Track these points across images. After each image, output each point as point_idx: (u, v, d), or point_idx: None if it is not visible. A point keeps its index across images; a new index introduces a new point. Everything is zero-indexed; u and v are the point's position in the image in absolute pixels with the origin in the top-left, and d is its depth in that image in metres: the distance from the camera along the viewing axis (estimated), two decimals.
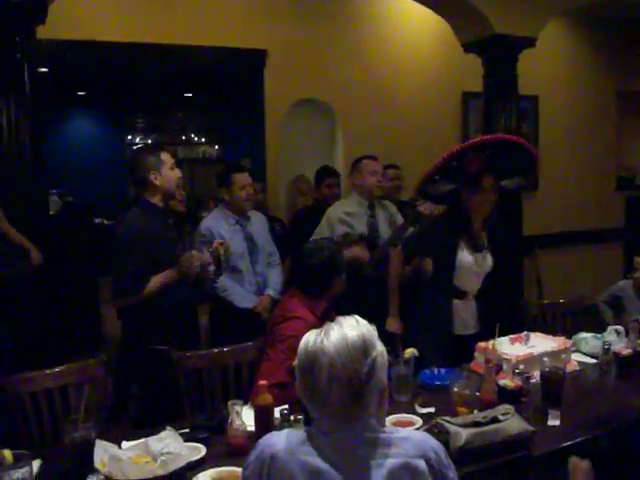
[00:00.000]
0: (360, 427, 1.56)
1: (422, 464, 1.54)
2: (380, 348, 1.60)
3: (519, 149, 3.26)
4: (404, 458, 1.54)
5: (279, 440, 1.59)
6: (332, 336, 1.56)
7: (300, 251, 3.02)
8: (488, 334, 3.26)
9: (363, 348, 1.55)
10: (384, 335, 3.31)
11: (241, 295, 3.78)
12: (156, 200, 3.10)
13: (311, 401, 1.57)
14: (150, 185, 3.08)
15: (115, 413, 3.66)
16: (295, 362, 1.61)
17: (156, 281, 2.98)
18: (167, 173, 3.09)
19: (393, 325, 3.45)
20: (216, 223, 3.84)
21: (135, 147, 11.12)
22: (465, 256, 3.29)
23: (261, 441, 1.63)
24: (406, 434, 1.64)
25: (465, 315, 3.36)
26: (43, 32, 3.48)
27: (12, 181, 3.32)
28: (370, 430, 1.57)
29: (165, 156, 3.13)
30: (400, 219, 4.23)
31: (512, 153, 3.28)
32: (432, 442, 1.62)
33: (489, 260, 3.39)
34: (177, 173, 3.15)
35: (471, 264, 3.30)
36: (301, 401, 1.63)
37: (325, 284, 2.83)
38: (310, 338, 1.59)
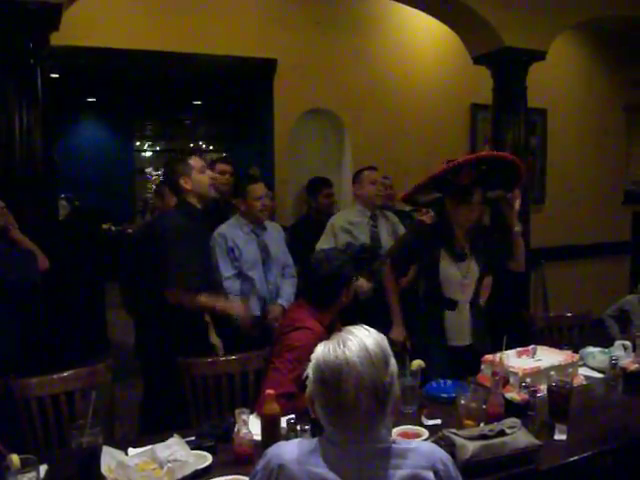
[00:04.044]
0: (371, 438, 1.55)
1: (430, 475, 1.54)
2: (393, 356, 1.61)
3: (510, 165, 3.27)
4: (413, 469, 1.54)
5: (288, 450, 1.59)
6: (352, 347, 1.54)
7: (306, 262, 3.03)
8: (484, 346, 3.30)
9: (384, 357, 1.57)
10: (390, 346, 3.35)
11: (252, 302, 3.79)
12: (193, 202, 3.23)
13: (335, 414, 1.54)
14: (183, 190, 3.22)
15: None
16: (308, 373, 1.60)
17: (209, 301, 3.18)
18: (197, 177, 3.22)
19: (397, 333, 3.44)
20: (231, 230, 3.89)
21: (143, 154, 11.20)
22: (448, 266, 3.30)
23: (269, 450, 1.63)
24: (414, 445, 1.63)
25: (459, 326, 3.34)
26: (56, 38, 3.51)
27: (23, 185, 3.34)
28: (380, 441, 1.57)
29: (194, 161, 3.27)
30: (402, 229, 4.30)
31: (502, 168, 3.30)
32: (440, 453, 1.62)
33: (474, 268, 3.35)
34: (209, 174, 3.31)
35: (454, 274, 3.30)
36: (309, 413, 1.63)
37: (333, 295, 2.82)
38: (328, 350, 1.56)
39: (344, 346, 1.55)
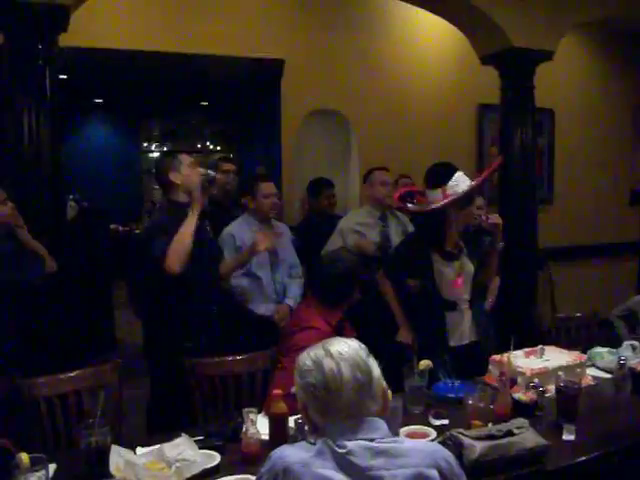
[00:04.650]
0: (372, 429, 1.60)
1: (435, 474, 1.57)
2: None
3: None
4: (417, 468, 1.56)
5: (292, 453, 1.61)
6: (331, 344, 1.67)
7: (316, 261, 3.05)
8: (489, 343, 3.30)
9: (360, 345, 1.70)
10: (398, 346, 3.36)
11: (259, 301, 3.81)
12: (181, 199, 3.19)
13: (325, 400, 1.61)
14: (172, 185, 3.19)
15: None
16: (294, 387, 1.70)
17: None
18: (187, 171, 3.19)
19: (404, 335, 3.43)
20: (239, 229, 3.89)
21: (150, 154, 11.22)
22: (441, 266, 3.28)
23: (273, 453, 1.64)
24: (418, 444, 1.69)
25: (460, 326, 3.33)
26: (64, 40, 3.52)
27: (31, 186, 3.36)
28: (383, 438, 1.60)
29: (183, 157, 3.25)
30: (412, 229, 4.27)
31: None
32: (444, 452, 1.65)
33: (468, 265, 3.34)
34: (198, 172, 3.22)
35: (448, 273, 3.28)
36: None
37: (343, 294, 2.84)
38: (309, 352, 1.68)
39: (325, 344, 1.68)
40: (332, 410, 1.61)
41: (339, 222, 4.34)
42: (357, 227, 4.20)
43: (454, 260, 3.30)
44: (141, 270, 3.53)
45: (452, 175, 3.17)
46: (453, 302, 3.30)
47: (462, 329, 3.32)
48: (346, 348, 1.65)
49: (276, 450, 1.65)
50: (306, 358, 1.67)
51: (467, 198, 3.20)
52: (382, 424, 1.63)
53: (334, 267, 2.87)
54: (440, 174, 3.23)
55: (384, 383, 1.70)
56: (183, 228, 3.04)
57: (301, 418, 1.73)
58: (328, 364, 1.62)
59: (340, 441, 1.57)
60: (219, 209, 4.26)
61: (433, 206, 3.21)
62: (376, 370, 1.67)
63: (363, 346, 1.70)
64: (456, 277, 3.29)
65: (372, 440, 1.58)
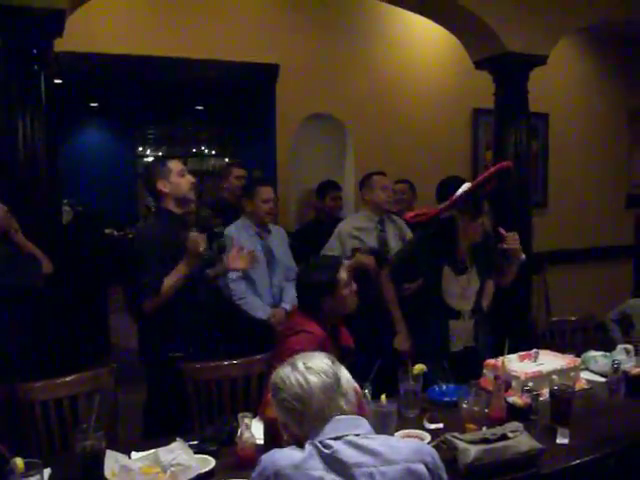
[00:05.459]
0: (354, 425, 1.67)
1: (422, 468, 1.65)
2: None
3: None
4: (406, 464, 1.63)
5: (282, 456, 1.63)
6: (297, 359, 1.78)
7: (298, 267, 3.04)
8: (484, 348, 3.31)
9: (326, 355, 1.81)
10: (393, 350, 3.35)
11: (256, 305, 3.81)
12: (171, 207, 3.15)
13: (300, 410, 1.67)
14: (161, 194, 3.15)
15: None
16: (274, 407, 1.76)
17: (170, 277, 3.01)
18: (176, 180, 3.14)
19: (402, 343, 3.43)
20: (237, 232, 3.89)
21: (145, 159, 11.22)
22: (450, 279, 3.29)
23: (263, 458, 1.67)
24: (404, 442, 1.79)
25: (461, 333, 3.34)
26: (59, 45, 3.52)
27: (27, 190, 3.35)
28: (367, 433, 1.67)
29: (172, 164, 3.19)
30: (410, 234, 4.27)
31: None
32: (428, 448, 1.75)
33: (475, 279, 3.36)
34: (188, 179, 3.19)
35: (456, 286, 3.30)
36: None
37: (315, 303, 2.79)
38: (278, 371, 1.78)
39: (291, 360, 1.79)
40: (308, 419, 1.67)
41: (337, 226, 4.34)
42: (355, 232, 4.20)
43: (463, 273, 3.31)
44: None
45: (459, 186, 3.19)
46: (458, 311, 3.32)
47: (463, 336, 3.34)
48: (310, 360, 1.76)
49: (266, 454, 1.68)
50: (276, 377, 1.76)
51: (474, 208, 3.20)
52: (363, 421, 1.71)
53: (300, 278, 2.88)
54: (448, 186, 3.26)
55: (355, 384, 1.80)
56: (165, 281, 3.01)
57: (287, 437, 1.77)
58: (295, 377, 1.71)
59: (326, 442, 1.62)
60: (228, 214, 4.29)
61: (438, 208, 3.24)
62: (344, 372, 1.78)
63: (329, 355, 1.81)
64: (463, 291, 3.31)
65: (357, 435, 1.64)
